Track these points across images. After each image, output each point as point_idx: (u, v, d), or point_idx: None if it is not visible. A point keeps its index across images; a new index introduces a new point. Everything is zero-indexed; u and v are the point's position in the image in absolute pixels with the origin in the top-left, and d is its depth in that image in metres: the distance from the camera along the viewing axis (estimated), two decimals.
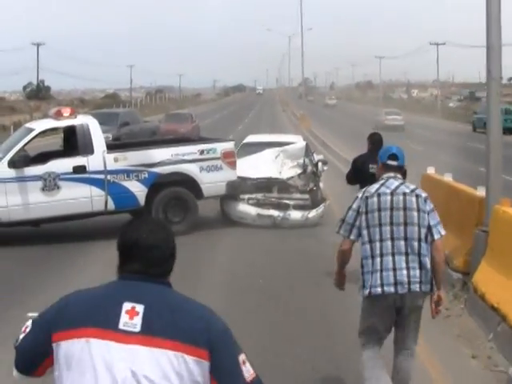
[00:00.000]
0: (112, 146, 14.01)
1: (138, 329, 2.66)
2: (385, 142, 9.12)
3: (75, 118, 13.59)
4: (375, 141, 9.72)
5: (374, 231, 5.44)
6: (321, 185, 15.28)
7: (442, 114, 72.55)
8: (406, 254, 5.39)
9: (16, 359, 2.87)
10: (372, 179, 8.72)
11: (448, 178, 11.34)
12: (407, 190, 5.51)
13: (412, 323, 5.57)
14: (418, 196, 5.48)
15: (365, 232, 5.49)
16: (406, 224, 5.40)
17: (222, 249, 12.80)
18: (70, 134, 13.70)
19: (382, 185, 5.57)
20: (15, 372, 2.90)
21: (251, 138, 17.62)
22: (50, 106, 43.76)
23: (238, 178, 14.15)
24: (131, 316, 2.67)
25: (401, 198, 5.45)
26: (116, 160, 13.17)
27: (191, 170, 13.67)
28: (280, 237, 13.38)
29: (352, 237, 5.57)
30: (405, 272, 5.36)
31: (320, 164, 15.37)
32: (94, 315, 2.69)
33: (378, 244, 5.42)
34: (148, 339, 2.63)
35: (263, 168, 14.84)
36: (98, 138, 13.33)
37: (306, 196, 14.59)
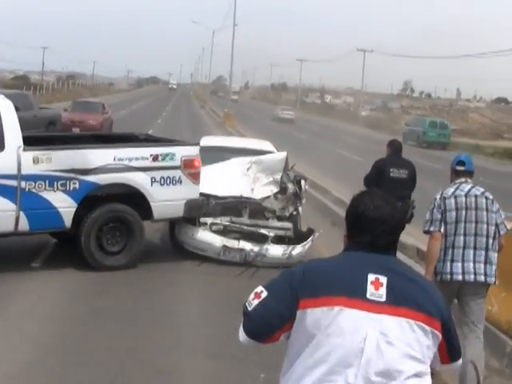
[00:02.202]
0: (31, 141, 9.92)
1: (383, 299, 2.70)
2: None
3: None
4: (394, 147, 10.37)
5: (450, 227, 6.23)
6: (300, 209, 11.77)
7: (364, 123, 70.95)
8: (475, 248, 6.18)
9: (248, 325, 2.79)
10: (390, 183, 9.69)
11: None
12: (478, 193, 6.33)
13: (476, 305, 6.25)
14: (487, 198, 6.31)
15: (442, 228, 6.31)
16: (476, 222, 6.21)
17: (179, 290, 9.27)
18: None
19: (457, 188, 6.37)
20: (244, 337, 2.81)
21: (208, 141, 13.42)
22: None
23: (200, 195, 10.54)
24: (376, 287, 2.71)
25: (473, 199, 6.28)
26: (36, 161, 9.28)
27: (139, 181, 9.93)
28: (257, 277, 9.83)
29: (442, 229, 6.25)
30: (471, 264, 6.17)
31: (303, 182, 11.81)
32: (342, 284, 2.72)
33: (452, 238, 6.21)
34: (393, 309, 2.70)
35: (230, 183, 11.25)
36: (12, 127, 9.41)
37: (289, 225, 11.09)
